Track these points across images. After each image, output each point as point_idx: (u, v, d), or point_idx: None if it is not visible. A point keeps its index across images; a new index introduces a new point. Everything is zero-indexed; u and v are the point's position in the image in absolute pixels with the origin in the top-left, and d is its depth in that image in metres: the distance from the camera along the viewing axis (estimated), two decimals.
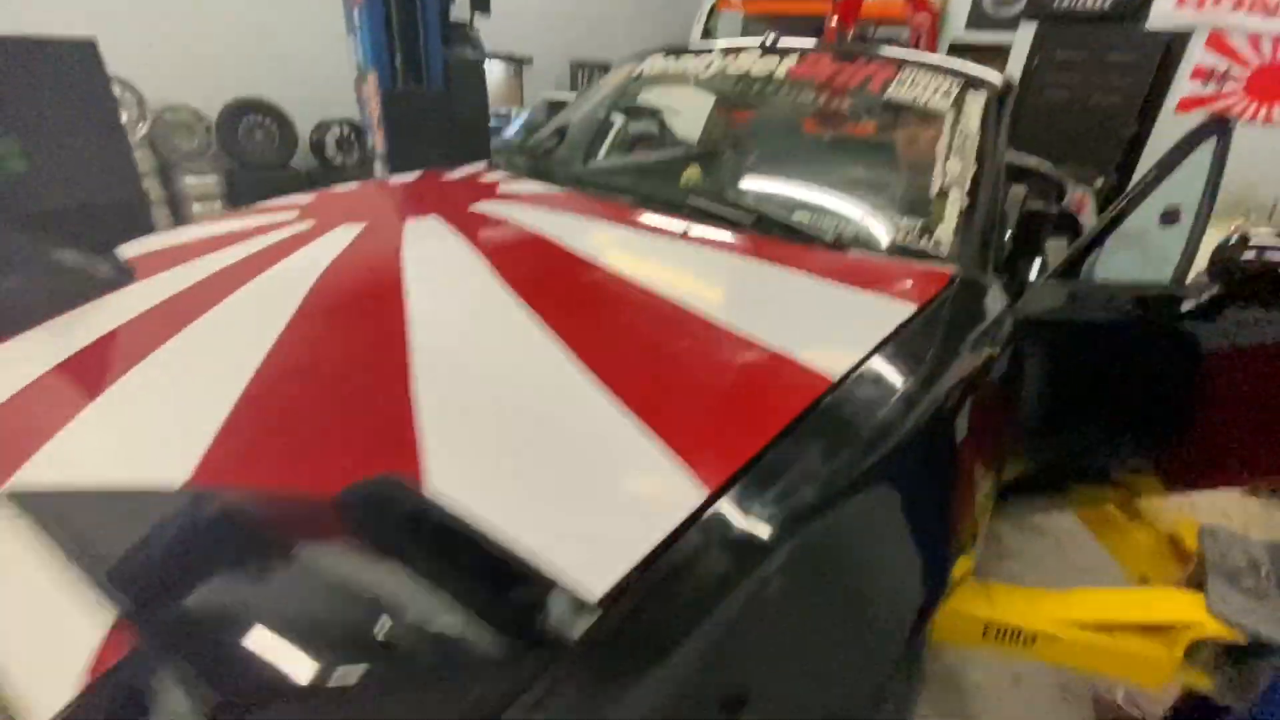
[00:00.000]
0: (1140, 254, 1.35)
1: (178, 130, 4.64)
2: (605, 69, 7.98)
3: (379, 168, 2.48)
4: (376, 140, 2.41)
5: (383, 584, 0.52)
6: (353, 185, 1.85)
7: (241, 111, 4.96)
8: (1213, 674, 1.19)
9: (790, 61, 1.62)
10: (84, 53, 2.19)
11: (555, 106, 6.70)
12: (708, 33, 8.31)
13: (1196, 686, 1.20)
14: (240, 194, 5.00)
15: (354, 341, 0.94)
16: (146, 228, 2.55)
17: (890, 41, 7.60)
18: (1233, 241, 1.25)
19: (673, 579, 0.58)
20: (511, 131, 5.72)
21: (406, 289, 1.05)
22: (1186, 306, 1.27)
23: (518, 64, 7.10)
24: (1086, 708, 1.79)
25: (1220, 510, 2.58)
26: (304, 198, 1.65)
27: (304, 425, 0.76)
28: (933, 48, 7.11)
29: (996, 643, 1.25)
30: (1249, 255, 1.19)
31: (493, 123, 6.69)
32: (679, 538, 0.60)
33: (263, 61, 5.13)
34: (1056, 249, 1.56)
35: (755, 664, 0.59)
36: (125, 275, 1.12)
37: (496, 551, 0.56)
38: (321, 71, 5.50)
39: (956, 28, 7.25)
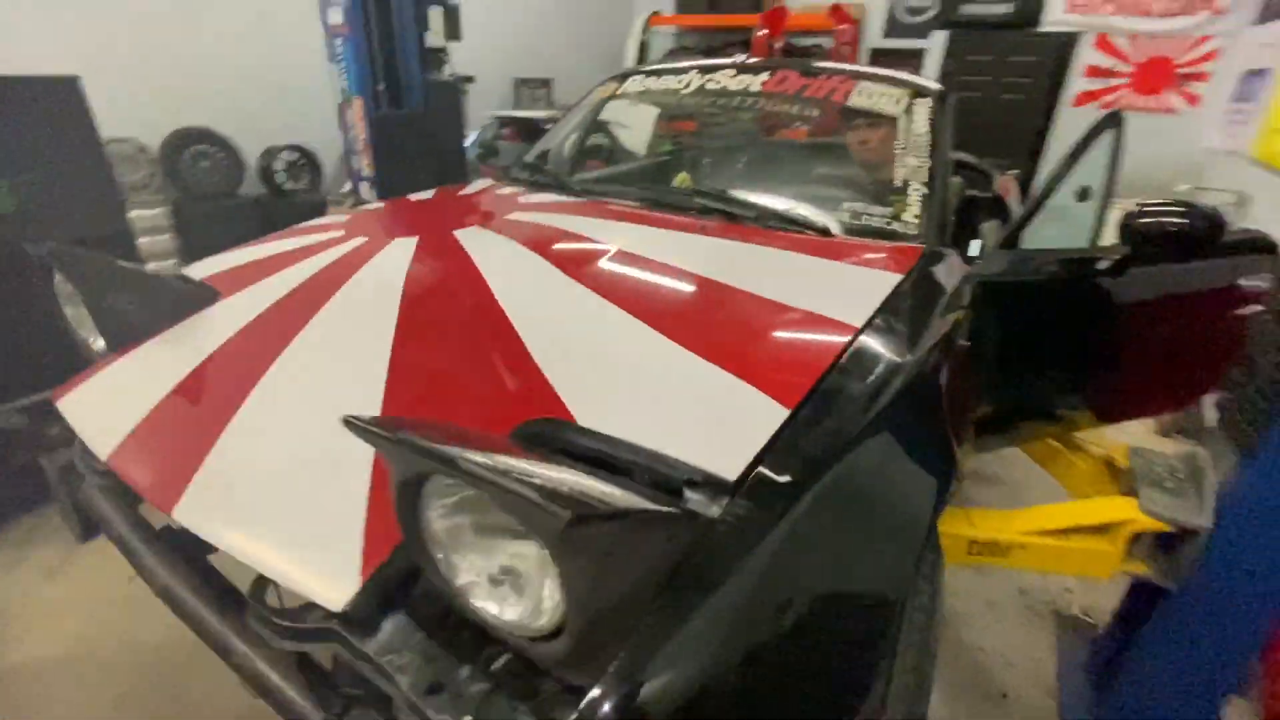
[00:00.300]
0: (1063, 226, 1.63)
1: (122, 163, 4.53)
2: (546, 84, 8.15)
3: (365, 188, 2.57)
4: (363, 162, 2.51)
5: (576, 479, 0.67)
6: (380, 206, 1.96)
7: (185, 141, 4.88)
8: (1150, 561, 1.46)
9: (764, 77, 1.85)
10: (67, 89, 2.21)
11: (505, 122, 6.80)
12: (643, 46, 8.60)
13: (1139, 572, 1.47)
14: (189, 225, 4.91)
15: (465, 320, 1.11)
16: (133, 260, 2.56)
17: (815, 48, 8.07)
18: (1136, 209, 1.54)
19: (770, 472, 0.76)
20: (466, 145, 5.80)
21: (488, 280, 1.20)
22: (1102, 266, 1.55)
23: (461, 83, 7.18)
24: (1050, 623, 2.07)
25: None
26: (340, 219, 1.74)
27: (451, 385, 0.93)
28: (855, 54, 7.61)
29: (979, 558, 1.49)
30: (1149, 214, 1.47)
31: None
32: (772, 446, 0.79)
33: (205, 89, 5.05)
34: (988, 229, 1.84)
35: (834, 532, 0.78)
36: (211, 294, 1.22)
37: (653, 457, 0.74)
38: (265, 97, 5.45)
39: (874, 36, 7.77)
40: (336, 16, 2.32)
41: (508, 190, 1.90)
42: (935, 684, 1.00)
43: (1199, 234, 1.41)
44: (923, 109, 1.66)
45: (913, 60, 7.36)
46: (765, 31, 7.50)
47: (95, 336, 1.17)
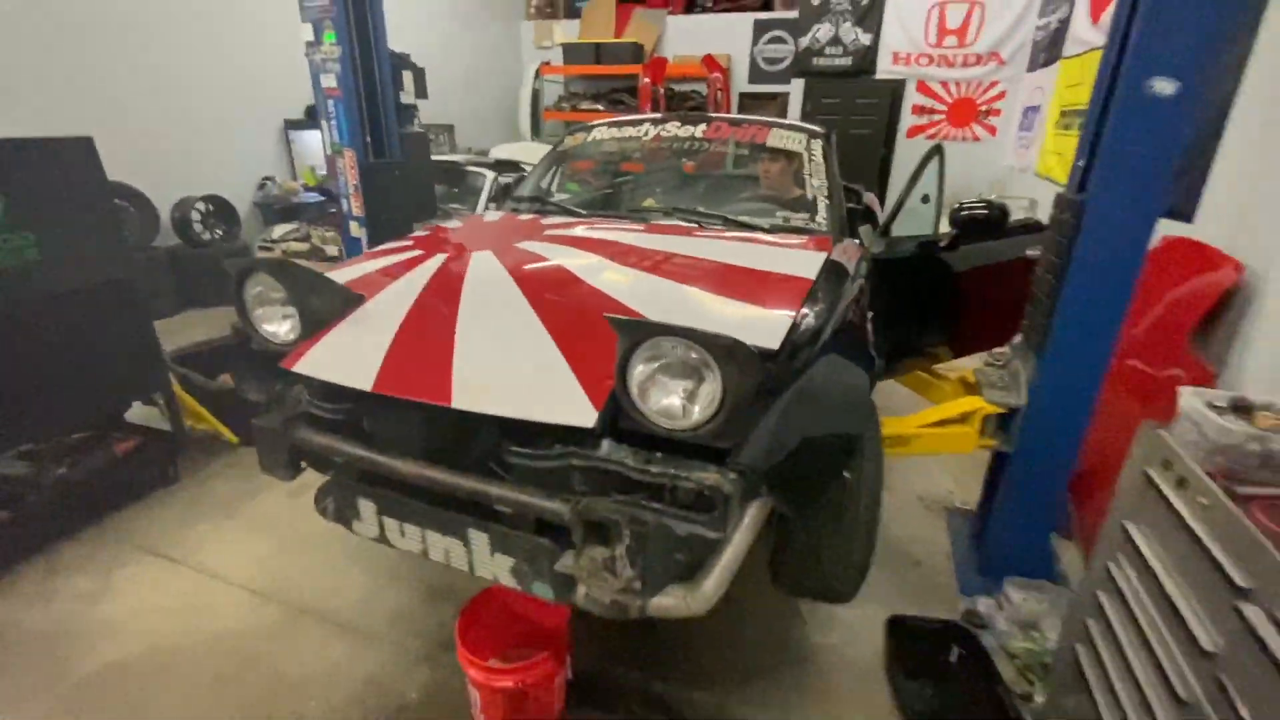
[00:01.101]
0: (915, 221, 2.37)
1: None
2: (449, 130, 8.51)
3: (354, 227, 2.91)
4: (353, 205, 2.86)
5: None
6: (428, 234, 2.32)
7: None
8: (995, 435, 2.18)
9: (703, 127, 2.50)
10: (83, 149, 2.40)
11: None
12: (535, 93, 9.23)
13: (990, 445, 2.19)
14: None
15: (560, 282, 1.66)
16: (142, 302, 2.73)
17: (694, 93, 9.07)
18: (958, 206, 2.31)
19: (792, 345, 1.33)
20: None
21: (559, 262, 1.74)
22: (943, 245, 2.30)
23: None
24: (941, 513, 2.78)
25: None
26: (407, 243, 2.15)
27: (572, 312, 1.48)
28: (728, 98, 8.69)
29: (893, 449, 2.15)
30: (967, 209, 2.24)
31: None
32: (789, 335, 1.36)
33: (115, 143, 5.00)
34: (864, 231, 2.57)
35: (830, 373, 1.36)
36: (358, 296, 1.60)
37: (712, 336, 1.21)
38: (176, 148, 5.45)
39: (741, 82, 8.90)
40: (330, 81, 2.70)
41: (525, 218, 2.38)
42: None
43: (995, 219, 2.19)
44: (818, 145, 2.37)
45: (775, 101, 8.56)
46: (648, 80, 8.41)
47: (281, 326, 1.52)
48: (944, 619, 2.10)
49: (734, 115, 2.53)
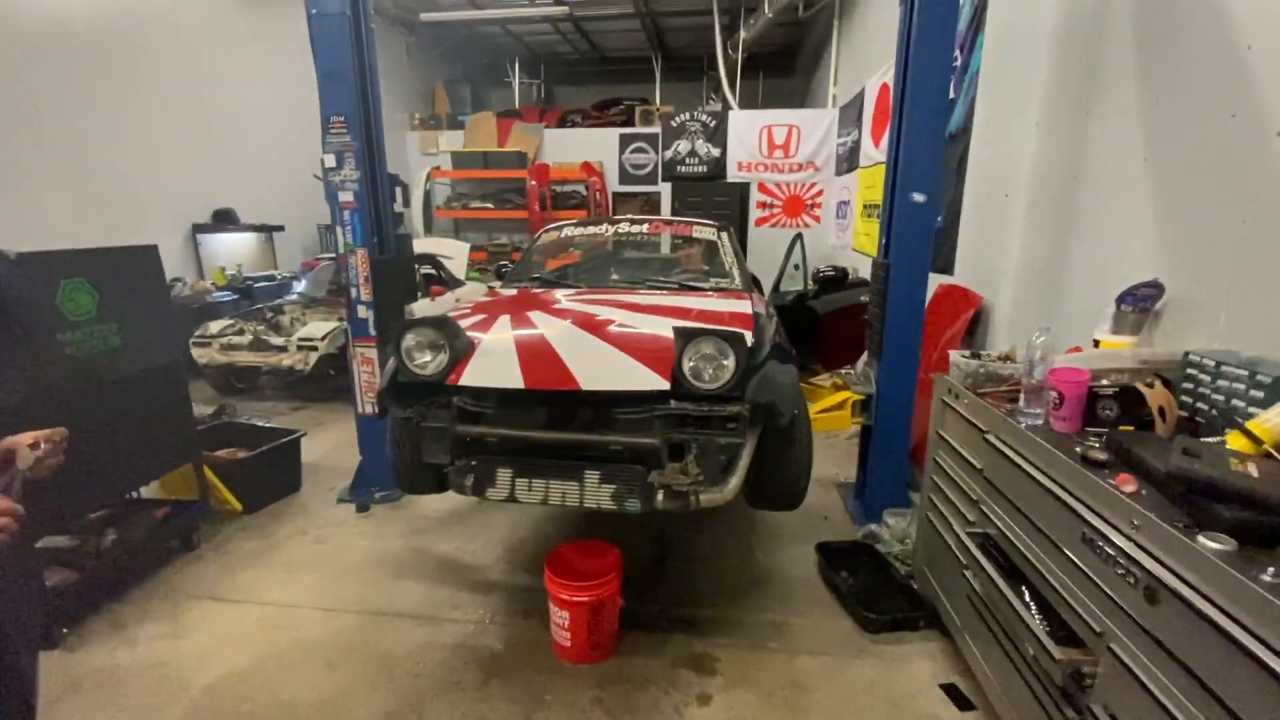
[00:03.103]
0: (794, 280, 3.56)
1: None
2: None
3: (361, 309, 3.53)
4: (363, 293, 3.51)
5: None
6: (484, 300, 3.09)
7: None
8: (862, 415, 3.30)
9: (648, 225, 3.56)
10: (150, 254, 2.86)
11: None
12: (427, 193, 10.02)
13: (860, 421, 3.31)
14: None
15: (592, 321, 2.49)
16: (185, 382, 3.13)
17: (574, 193, 10.37)
18: (816, 270, 3.52)
19: (754, 351, 2.27)
20: (300, 287, 6.39)
21: (586, 311, 2.58)
22: (811, 294, 3.49)
23: (270, 231, 7.73)
24: (833, 486, 3.85)
25: None
26: (476, 307, 2.89)
27: (624, 338, 2.32)
28: (605, 197, 10.10)
29: None
30: (823, 273, 3.46)
31: (275, 282, 7.18)
32: (751, 339, 2.31)
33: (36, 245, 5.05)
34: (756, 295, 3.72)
35: (776, 372, 2.31)
36: (475, 339, 2.33)
37: (727, 333, 2.12)
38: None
39: (613, 184, 10.37)
40: (348, 196, 3.39)
41: (536, 291, 3.23)
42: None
43: (841, 278, 3.43)
44: (725, 233, 3.51)
45: (646, 198, 10.10)
46: (534, 183, 9.58)
47: (430, 359, 2.19)
48: (852, 540, 3.10)
49: (666, 216, 3.64)
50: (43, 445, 1.20)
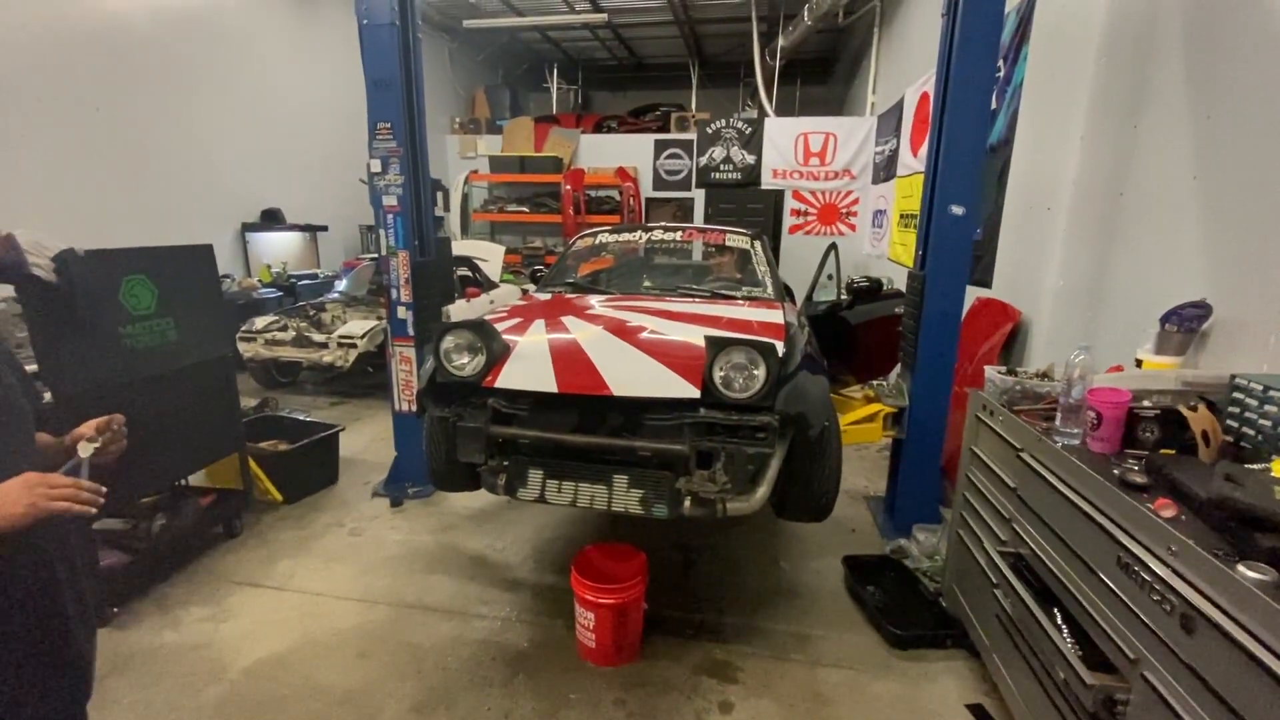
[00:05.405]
0: (827, 290, 3.55)
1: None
2: None
3: (401, 310, 3.65)
4: (404, 294, 3.62)
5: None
6: (521, 304, 3.17)
7: None
8: (893, 428, 3.27)
9: (681, 233, 3.59)
10: (205, 253, 3.00)
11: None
12: (465, 196, 10.22)
13: (891, 435, 3.27)
14: None
15: (622, 326, 2.53)
16: (233, 375, 3.27)
17: (609, 199, 10.46)
18: (850, 280, 3.50)
19: (785, 362, 2.27)
20: (342, 286, 6.59)
21: (617, 316, 2.62)
22: (845, 304, 3.47)
23: (314, 231, 7.98)
24: (861, 500, 3.81)
25: None
26: (505, 311, 2.96)
27: (654, 345, 2.34)
28: (639, 202, 10.16)
29: None
30: (857, 283, 3.44)
31: (317, 280, 7.42)
32: (783, 349, 2.31)
33: (97, 242, 5.32)
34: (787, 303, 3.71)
35: (806, 383, 2.30)
36: (511, 342, 2.39)
37: (758, 342, 2.14)
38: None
39: (646, 189, 10.43)
40: (392, 201, 3.50)
41: (569, 295, 3.28)
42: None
43: (875, 289, 3.40)
44: (759, 242, 3.52)
45: (679, 204, 10.12)
46: (569, 187, 9.69)
47: (468, 361, 2.25)
48: (879, 554, 3.06)
49: (700, 224, 3.68)
50: (109, 430, 1.29)
